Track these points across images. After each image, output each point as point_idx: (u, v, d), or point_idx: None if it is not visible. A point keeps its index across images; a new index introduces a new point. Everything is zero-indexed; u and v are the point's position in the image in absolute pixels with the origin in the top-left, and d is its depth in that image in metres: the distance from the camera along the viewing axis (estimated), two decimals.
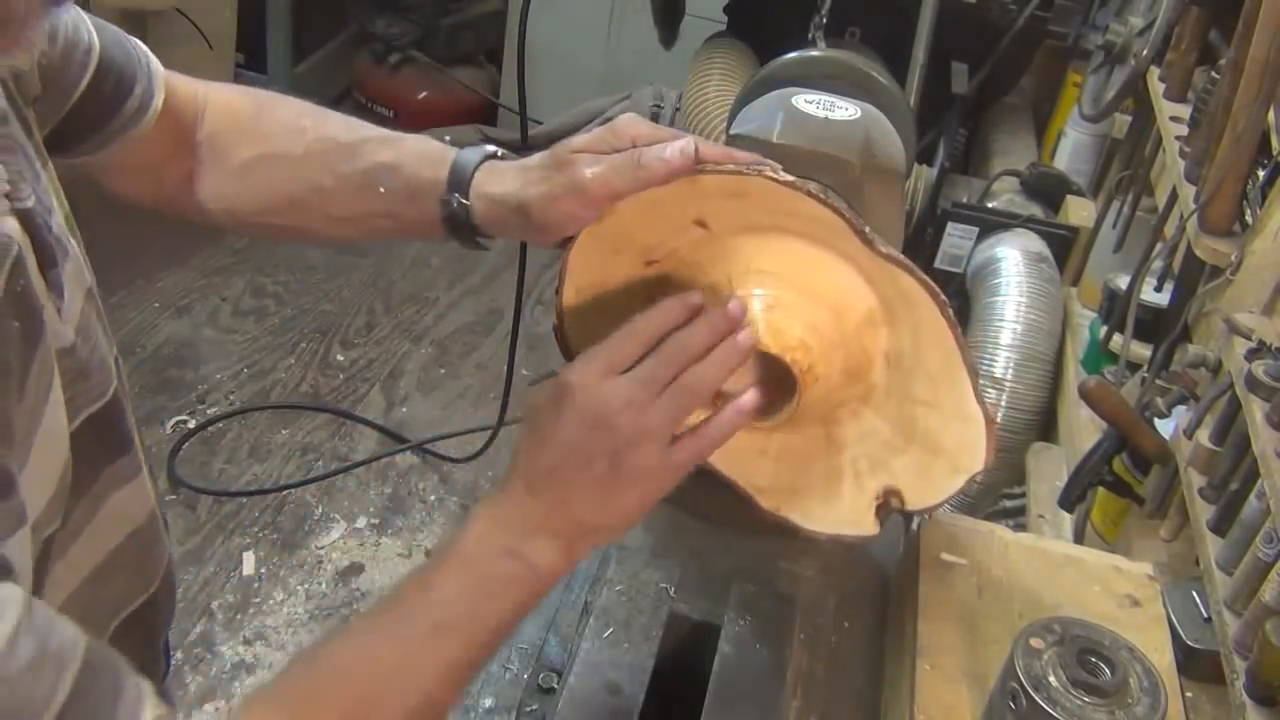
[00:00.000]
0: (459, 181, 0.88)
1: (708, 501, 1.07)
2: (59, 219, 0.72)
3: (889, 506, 0.92)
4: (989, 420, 0.85)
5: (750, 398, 0.79)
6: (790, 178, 0.80)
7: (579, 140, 0.84)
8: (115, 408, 0.75)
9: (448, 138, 0.96)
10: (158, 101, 0.88)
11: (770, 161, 0.81)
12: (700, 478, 0.99)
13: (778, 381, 0.85)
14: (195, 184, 0.95)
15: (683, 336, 0.77)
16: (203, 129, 0.95)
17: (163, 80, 0.89)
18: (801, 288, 0.84)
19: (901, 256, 0.82)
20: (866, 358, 0.88)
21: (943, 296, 0.82)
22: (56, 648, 0.56)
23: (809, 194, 0.79)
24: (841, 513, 0.94)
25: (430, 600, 0.73)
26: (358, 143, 0.93)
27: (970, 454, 0.88)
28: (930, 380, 0.88)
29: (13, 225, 0.63)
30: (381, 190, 0.91)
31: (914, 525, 1.08)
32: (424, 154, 0.91)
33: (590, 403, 0.73)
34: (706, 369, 0.77)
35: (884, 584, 1.12)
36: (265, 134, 0.95)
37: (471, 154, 0.89)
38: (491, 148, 0.91)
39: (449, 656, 0.72)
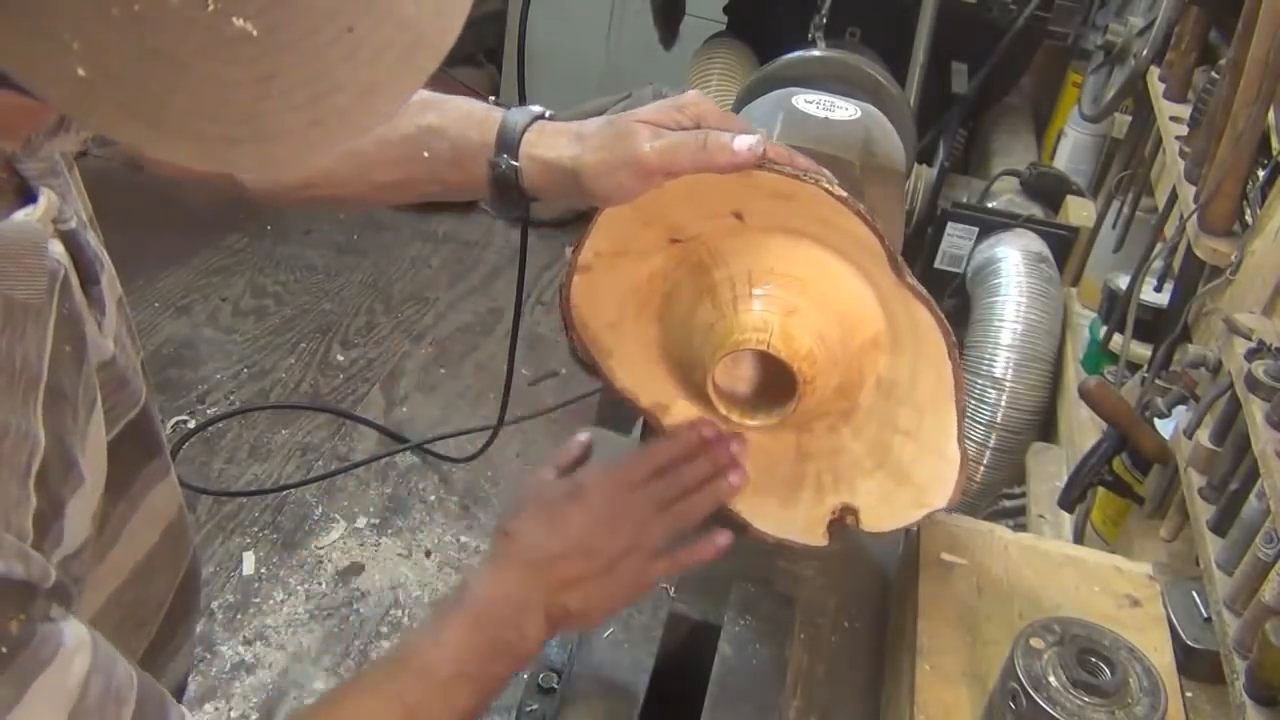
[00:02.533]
0: (508, 143, 0.87)
1: None
2: (93, 235, 0.72)
3: (842, 523, 0.94)
4: (964, 462, 0.88)
5: (724, 539, 0.89)
6: (844, 193, 0.81)
7: (643, 111, 0.84)
8: (148, 411, 0.76)
9: (493, 98, 0.95)
10: None
11: (826, 171, 0.82)
12: None
13: (776, 381, 0.86)
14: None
15: (690, 471, 0.88)
16: None
17: None
18: (818, 299, 0.85)
19: (923, 290, 0.84)
20: (860, 378, 0.89)
21: (953, 336, 0.84)
22: (117, 685, 0.58)
23: (857, 212, 0.80)
24: (794, 519, 0.96)
25: (448, 654, 0.78)
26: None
27: (937, 490, 0.91)
28: (917, 412, 0.89)
29: (59, 249, 0.64)
30: (426, 155, 0.90)
31: (914, 526, 1.08)
32: (469, 115, 0.90)
33: (607, 507, 0.84)
34: (703, 500, 0.88)
35: (884, 584, 1.12)
36: None
37: (519, 114, 0.88)
38: (539, 108, 0.90)
39: (467, 705, 0.78)
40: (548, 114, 0.89)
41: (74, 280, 0.65)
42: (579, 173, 0.84)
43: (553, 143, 0.86)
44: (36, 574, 0.54)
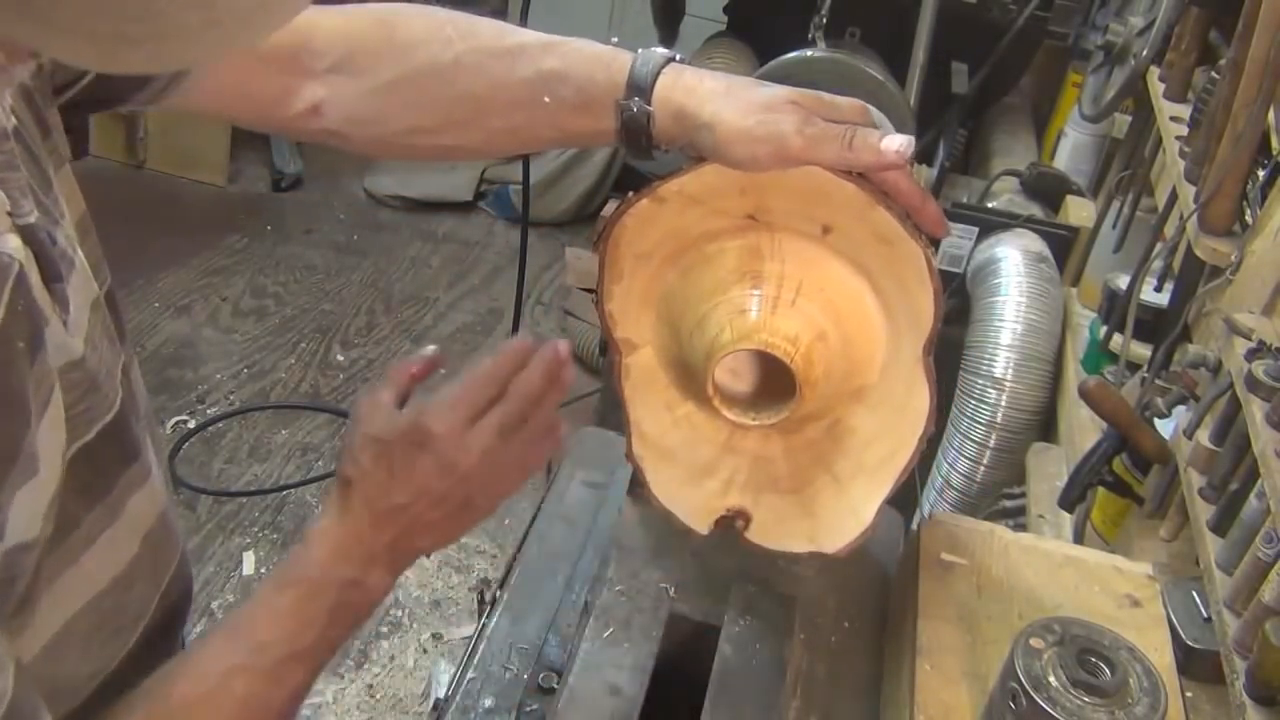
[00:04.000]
0: (640, 86, 0.82)
1: None
2: (66, 228, 0.71)
3: (730, 523, 0.96)
4: (870, 529, 0.91)
5: (563, 428, 0.82)
6: (935, 266, 0.82)
7: (796, 92, 0.81)
8: (123, 415, 0.75)
9: (615, 39, 0.91)
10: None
11: (940, 230, 0.83)
12: None
13: (766, 384, 0.87)
14: (322, 116, 0.89)
15: (525, 379, 0.78)
16: (324, 58, 0.88)
17: None
18: (845, 337, 0.86)
19: (932, 377, 0.85)
20: (824, 413, 0.90)
21: (932, 429, 0.86)
22: None
23: (935, 291, 0.82)
24: (689, 500, 0.97)
25: (283, 630, 0.75)
26: (515, 49, 0.87)
27: (834, 538, 0.94)
28: (856, 468, 0.92)
29: (15, 243, 0.63)
30: (547, 100, 0.85)
31: (914, 525, 1.08)
32: (595, 58, 0.86)
33: (452, 453, 0.76)
34: (548, 405, 0.80)
35: (884, 584, 1.12)
36: (404, 48, 0.88)
37: (651, 55, 0.84)
38: (668, 50, 0.85)
39: (300, 682, 0.76)
40: (678, 57, 0.85)
41: (33, 276, 0.64)
42: (715, 130, 0.80)
43: (691, 92, 0.82)
44: None
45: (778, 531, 0.96)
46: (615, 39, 3.71)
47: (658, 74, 0.83)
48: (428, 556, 0.88)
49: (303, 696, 0.77)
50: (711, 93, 0.82)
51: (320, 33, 0.88)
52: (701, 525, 0.97)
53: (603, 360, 1.01)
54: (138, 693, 0.74)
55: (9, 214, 0.63)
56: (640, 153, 0.85)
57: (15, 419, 0.60)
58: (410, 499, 0.77)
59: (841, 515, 0.93)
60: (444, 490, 0.77)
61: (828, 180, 0.81)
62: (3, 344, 0.59)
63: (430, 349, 0.82)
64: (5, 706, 0.58)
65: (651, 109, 0.82)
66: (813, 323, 0.85)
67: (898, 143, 0.78)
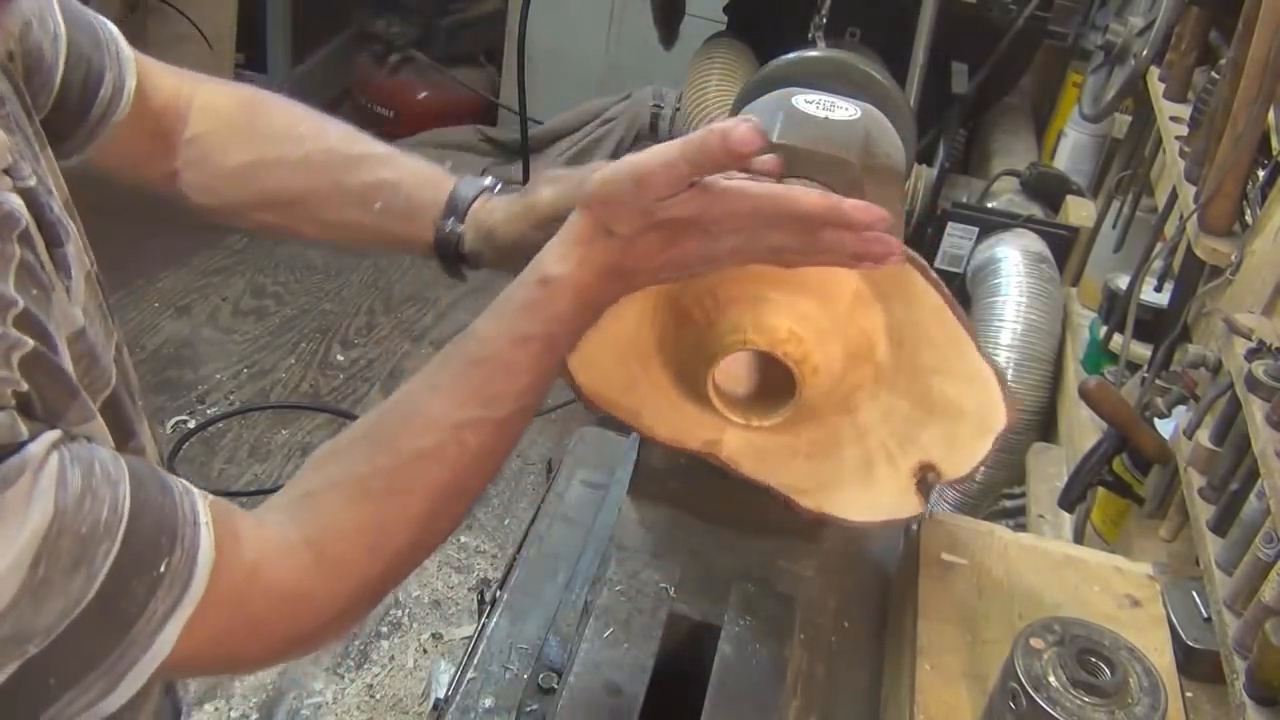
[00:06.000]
0: (456, 208, 0.91)
1: (708, 501, 1.07)
2: (59, 201, 0.72)
3: (927, 482, 0.92)
4: (999, 375, 0.87)
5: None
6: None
7: (551, 170, 0.88)
8: (118, 393, 0.76)
9: (449, 163, 0.98)
10: (130, 85, 0.88)
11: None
12: (712, 479, 0.99)
13: (781, 379, 0.86)
14: (180, 183, 0.96)
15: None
16: (189, 128, 0.95)
17: (134, 65, 0.89)
18: (783, 281, 0.84)
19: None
20: (866, 339, 0.88)
21: (921, 260, 0.83)
22: (102, 469, 0.59)
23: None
24: (882, 498, 0.94)
25: (516, 384, 0.74)
26: (359, 156, 0.95)
27: (991, 412, 0.89)
28: (934, 347, 0.88)
29: (16, 201, 0.64)
30: (378, 206, 0.93)
31: (914, 525, 1.08)
32: (424, 177, 0.94)
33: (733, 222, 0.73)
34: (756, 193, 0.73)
35: (884, 584, 1.12)
36: (261, 138, 0.96)
37: (471, 184, 0.93)
38: (491, 180, 0.93)
39: (520, 430, 0.75)
40: (498, 187, 0.93)
41: (37, 238, 0.66)
42: (493, 231, 0.89)
43: (490, 212, 0.90)
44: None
45: (959, 452, 0.91)
46: (615, 39, 3.68)
47: (472, 200, 0.92)
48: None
49: (538, 394, 0.76)
50: (498, 209, 0.91)
51: (200, 103, 0.95)
52: (912, 506, 0.93)
53: None
54: (353, 437, 0.74)
55: (8, 173, 0.64)
56: (453, 271, 0.94)
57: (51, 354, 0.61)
58: (657, 266, 0.75)
59: (973, 391, 0.89)
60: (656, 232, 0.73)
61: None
62: (21, 289, 0.60)
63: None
64: (129, 472, 0.60)
65: (462, 230, 0.91)
66: (742, 300, 0.84)
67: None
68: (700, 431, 0.95)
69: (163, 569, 0.60)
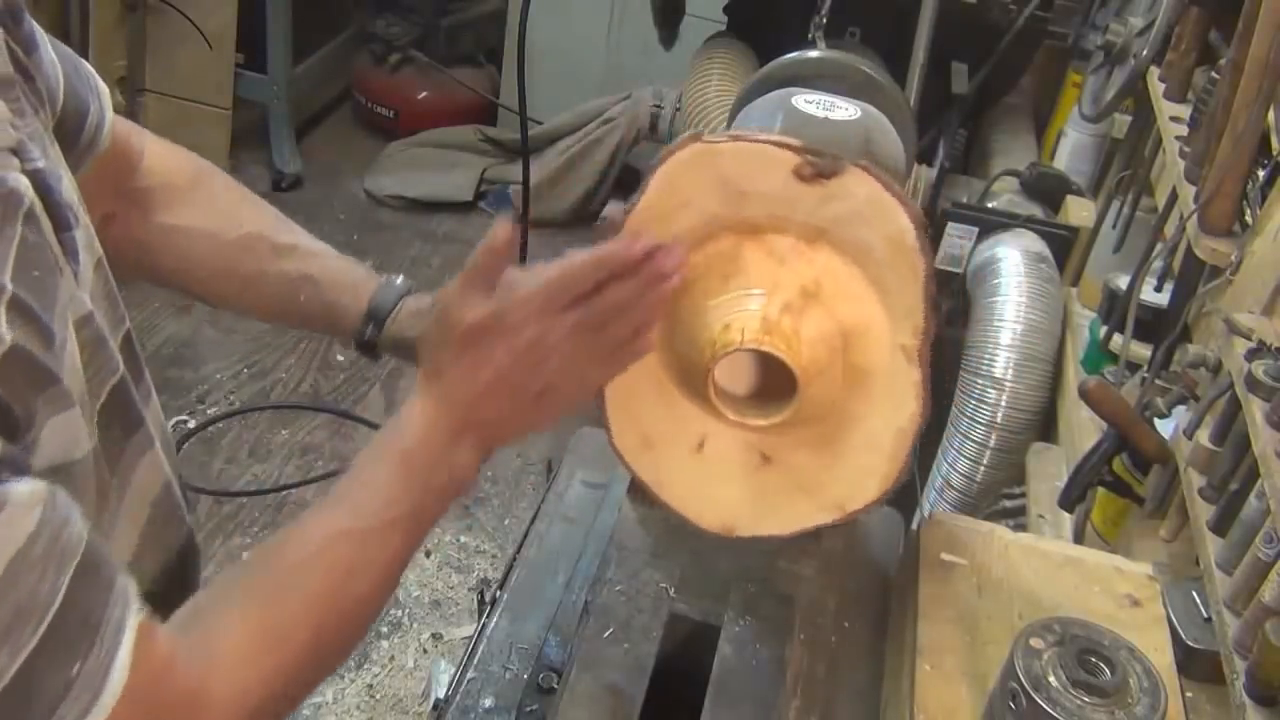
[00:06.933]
0: (377, 316, 0.95)
1: None
2: (69, 187, 0.73)
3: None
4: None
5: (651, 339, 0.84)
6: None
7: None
8: (125, 382, 0.77)
9: (370, 263, 1.02)
10: (109, 119, 0.89)
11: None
12: None
13: (778, 380, 0.86)
14: (114, 227, 0.95)
15: (622, 290, 0.81)
16: (136, 178, 0.96)
17: (110, 102, 0.90)
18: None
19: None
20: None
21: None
22: (64, 545, 0.58)
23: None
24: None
25: (380, 498, 0.78)
26: (287, 248, 0.98)
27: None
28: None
29: (22, 180, 0.64)
30: (301, 299, 0.97)
31: (914, 525, 1.08)
32: (347, 280, 0.98)
33: (533, 339, 0.79)
34: (637, 315, 0.82)
35: (884, 584, 1.12)
36: (200, 207, 0.98)
37: (388, 292, 0.96)
38: (403, 283, 0.97)
39: (399, 548, 0.79)
40: (410, 289, 0.97)
41: (44, 219, 0.66)
42: (412, 346, 0.91)
43: (407, 322, 0.95)
44: None
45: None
46: (615, 39, 3.67)
47: (392, 308, 0.96)
48: (511, 443, 0.89)
49: (404, 563, 0.80)
50: (417, 318, 0.94)
51: (150, 156, 0.97)
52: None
53: None
54: (240, 564, 0.78)
55: (14, 153, 0.64)
56: (373, 358, 0.99)
57: (39, 345, 0.61)
58: (487, 387, 0.80)
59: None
60: (517, 380, 0.80)
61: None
62: (20, 270, 0.60)
63: (503, 226, 0.81)
64: (86, 542, 0.59)
65: (380, 334, 0.96)
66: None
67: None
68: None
69: (75, 672, 0.58)
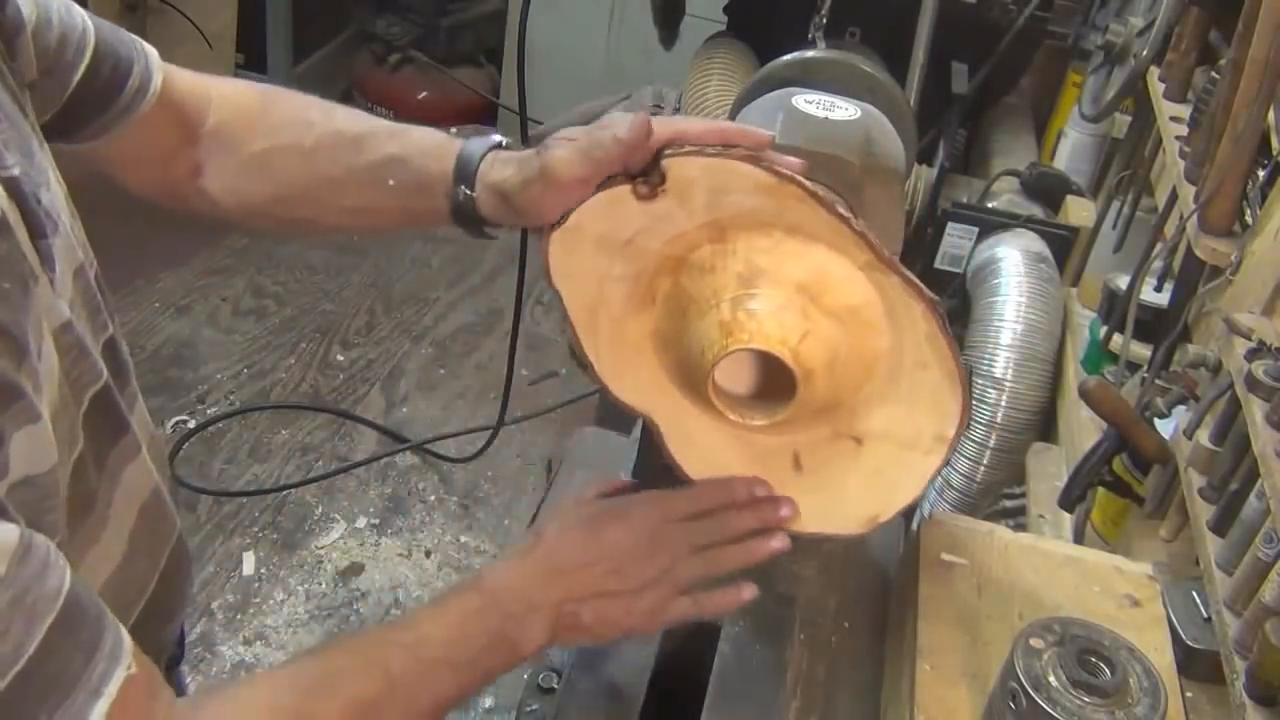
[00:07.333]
0: (465, 173, 0.89)
1: None
2: (53, 194, 0.72)
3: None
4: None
5: (749, 593, 0.88)
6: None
7: (567, 130, 0.85)
8: (109, 388, 0.77)
9: (454, 130, 0.97)
10: (157, 81, 0.89)
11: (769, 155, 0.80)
12: None
13: (779, 379, 0.86)
14: (203, 177, 0.96)
15: (736, 520, 0.87)
16: (209, 122, 0.96)
17: (159, 64, 0.90)
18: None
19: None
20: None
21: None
22: (35, 599, 0.56)
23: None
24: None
25: (442, 634, 0.78)
26: (365, 135, 0.94)
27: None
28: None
29: None
30: (391, 183, 0.93)
31: (914, 525, 1.08)
32: (430, 146, 0.93)
33: (648, 532, 0.84)
34: (740, 554, 0.87)
35: (884, 584, 1.12)
36: (274, 126, 0.96)
37: (477, 145, 0.91)
38: (498, 137, 0.92)
39: (446, 692, 0.78)
40: (505, 143, 0.91)
41: (18, 230, 0.65)
42: (508, 195, 0.86)
43: (500, 170, 0.88)
44: None
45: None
46: (615, 39, 3.68)
47: (479, 161, 0.89)
48: (566, 649, 0.95)
49: (444, 712, 0.79)
50: (511, 166, 0.88)
51: (217, 97, 0.96)
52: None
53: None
54: (290, 660, 0.77)
55: None
56: (476, 233, 0.93)
57: (8, 359, 0.60)
58: (593, 559, 0.83)
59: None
60: (624, 563, 0.83)
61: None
62: None
63: (626, 479, 0.92)
64: (64, 598, 0.58)
65: (474, 193, 0.89)
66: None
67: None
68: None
69: None
